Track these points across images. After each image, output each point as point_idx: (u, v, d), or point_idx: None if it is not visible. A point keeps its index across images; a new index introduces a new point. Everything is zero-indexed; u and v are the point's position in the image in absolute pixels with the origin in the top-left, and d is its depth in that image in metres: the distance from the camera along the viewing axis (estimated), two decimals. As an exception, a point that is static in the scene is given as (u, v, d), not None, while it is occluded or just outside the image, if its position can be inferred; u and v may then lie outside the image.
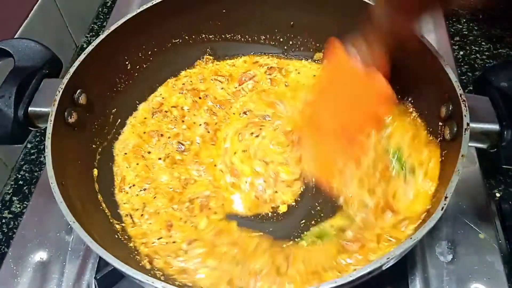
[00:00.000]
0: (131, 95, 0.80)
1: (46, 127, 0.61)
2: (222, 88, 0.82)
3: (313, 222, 0.66)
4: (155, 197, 0.70)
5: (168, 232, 0.66)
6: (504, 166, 0.59)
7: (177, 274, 0.61)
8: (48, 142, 0.59)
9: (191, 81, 0.83)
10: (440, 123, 0.64)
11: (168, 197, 0.70)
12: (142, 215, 0.68)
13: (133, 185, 0.71)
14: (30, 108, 0.64)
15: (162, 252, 0.64)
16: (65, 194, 0.56)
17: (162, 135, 0.76)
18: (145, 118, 0.79)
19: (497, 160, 0.59)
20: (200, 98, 0.81)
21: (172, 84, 0.83)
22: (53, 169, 0.57)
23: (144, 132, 0.77)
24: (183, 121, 0.78)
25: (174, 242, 0.65)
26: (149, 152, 0.75)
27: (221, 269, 0.61)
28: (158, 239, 0.65)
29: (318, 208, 0.68)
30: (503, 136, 0.58)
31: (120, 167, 0.73)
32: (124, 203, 0.70)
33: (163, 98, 0.81)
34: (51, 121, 0.61)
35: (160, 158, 0.74)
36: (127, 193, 0.71)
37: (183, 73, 0.84)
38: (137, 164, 0.73)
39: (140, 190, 0.71)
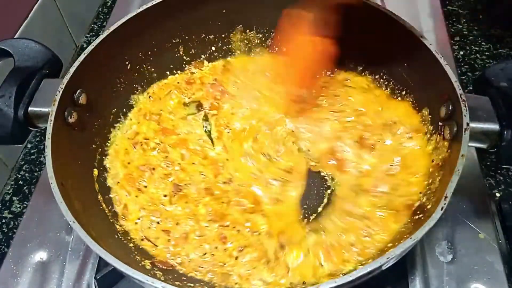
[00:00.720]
0: (131, 95, 0.80)
1: (46, 127, 0.61)
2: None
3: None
4: (178, 224, 0.67)
5: (223, 244, 0.64)
6: (504, 166, 0.59)
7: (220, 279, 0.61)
8: (48, 142, 0.59)
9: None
10: (440, 123, 0.64)
11: (195, 220, 0.67)
12: (169, 240, 0.65)
13: (141, 218, 0.68)
14: (30, 108, 0.64)
15: (207, 264, 0.63)
16: (65, 194, 0.55)
17: (154, 168, 0.73)
18: (126, 149, 0.75)
19: (497, 160, 0.59)
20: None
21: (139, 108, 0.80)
22: (53, 169, 0.57)
23: (129, 163, 0.73)
24: (166, 156, 0.74)
25: (225, 250, 0.64)
26: (145, 186, 0.71)
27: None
28: (204, 254, 0.64)
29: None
30: (503, 136, 0.58)
31: (119, 194, 0.70)
32: (136, 230, 0.67)
33: (135, 126, 0.78)
34: (51, 121, 0.61)
35: (165, 195, 0.70)
36: (136, 223, 0.67)
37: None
38: (136, 196, 0.70)
39: (152, 223, 0.67)
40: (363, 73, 0.81)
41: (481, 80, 0.65)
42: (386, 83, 0.77)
